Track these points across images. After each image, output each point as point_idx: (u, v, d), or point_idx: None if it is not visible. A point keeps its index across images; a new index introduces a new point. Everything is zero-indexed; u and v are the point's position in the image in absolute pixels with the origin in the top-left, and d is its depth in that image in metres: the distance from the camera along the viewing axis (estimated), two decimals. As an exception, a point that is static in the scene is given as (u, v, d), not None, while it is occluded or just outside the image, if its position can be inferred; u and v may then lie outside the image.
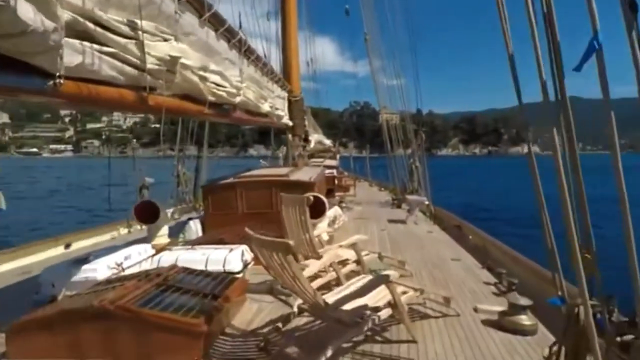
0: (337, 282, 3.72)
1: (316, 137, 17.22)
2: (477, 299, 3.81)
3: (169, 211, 7.72)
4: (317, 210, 5.12)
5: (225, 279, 3.27)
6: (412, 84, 16.64)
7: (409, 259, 5.19)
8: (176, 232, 5.80)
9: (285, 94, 9.02)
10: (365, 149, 26.04)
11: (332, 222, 6.87)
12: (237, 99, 4.45)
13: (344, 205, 10.51)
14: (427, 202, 9.33)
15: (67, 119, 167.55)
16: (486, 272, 4.80)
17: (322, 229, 5.62)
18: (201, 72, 3.33)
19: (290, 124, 9.51)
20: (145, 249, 4.16)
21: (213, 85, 3.70)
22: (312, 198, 3.89)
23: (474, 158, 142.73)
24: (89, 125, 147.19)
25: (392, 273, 2.93)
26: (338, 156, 22.35)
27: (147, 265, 3.87)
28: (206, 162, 10.27)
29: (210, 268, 3.67)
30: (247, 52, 5.04)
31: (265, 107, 6.28)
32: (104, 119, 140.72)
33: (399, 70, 12.49)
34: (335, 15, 25.00)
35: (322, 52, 27.97)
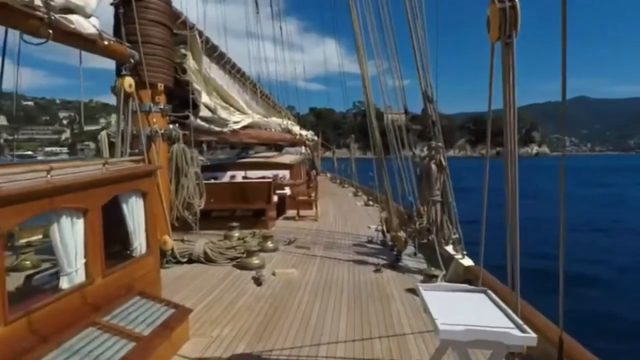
0: None
1: (270, 121, 11.57)
2: None
3: None
4: None
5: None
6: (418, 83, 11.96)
7: None
8: None
9: None
10: (351, 148, 20.13)
11: None
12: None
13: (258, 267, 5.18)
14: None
15: (65, 121, 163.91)
16: None
17: None
18: None
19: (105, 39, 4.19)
20: None
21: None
22: None
23: (482, 159, 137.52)
24: (86, 128, 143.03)
25: None
26: (303, 148, 17.16)
27: None
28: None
29: None
30: None
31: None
32: (102, 121, 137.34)
33: (399, 69, 7.75)
34: (340, 15, 20.56)
35: (328, 54, 23.58)
